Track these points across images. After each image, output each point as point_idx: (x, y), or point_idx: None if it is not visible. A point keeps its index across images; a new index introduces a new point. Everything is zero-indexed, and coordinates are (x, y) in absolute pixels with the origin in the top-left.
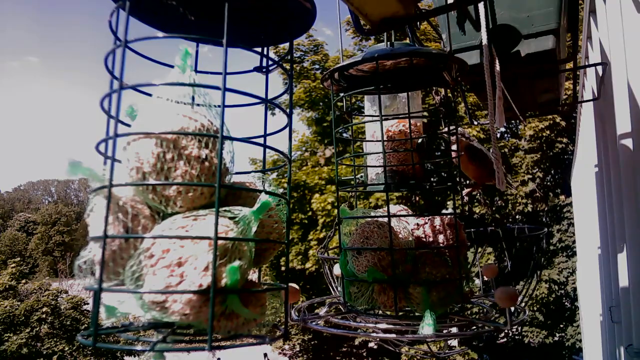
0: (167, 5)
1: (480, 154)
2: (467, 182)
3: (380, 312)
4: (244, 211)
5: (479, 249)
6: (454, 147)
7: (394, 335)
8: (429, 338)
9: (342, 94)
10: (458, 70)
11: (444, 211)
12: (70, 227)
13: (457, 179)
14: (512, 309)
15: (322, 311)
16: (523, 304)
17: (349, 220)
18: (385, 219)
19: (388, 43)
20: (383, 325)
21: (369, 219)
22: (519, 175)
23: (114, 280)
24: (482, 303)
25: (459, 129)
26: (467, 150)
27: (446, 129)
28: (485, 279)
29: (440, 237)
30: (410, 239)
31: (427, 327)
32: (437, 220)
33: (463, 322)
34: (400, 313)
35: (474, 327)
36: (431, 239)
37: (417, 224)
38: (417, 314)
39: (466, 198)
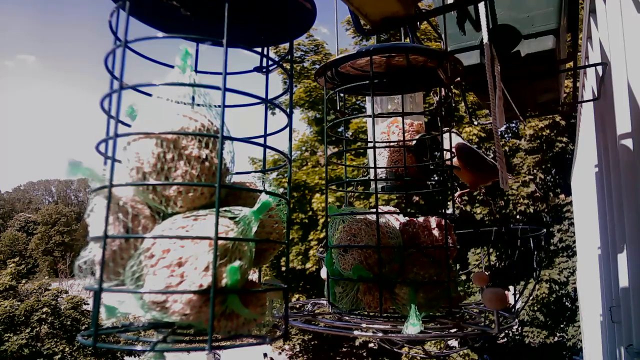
0: (167, 5)
1: (475, 159)
2: (458, 184)
3: (365, 312)
4: (244, 211)
5: (477, 250)
6: (449, 148)
7: (380, 334)
8: (414, 338)
9: (336, 90)
10: (453, 70)
11: (444, 211)
12: (70, 227)
13: (453, 181)
14: (510, 309)
15: (305, 310)
16: (521, 304)
17: (337, 218)
18: (374, 217)
19: (406, 38)
20: (368, 325)
21: (358, 217)
22: (520, 176)
23: (114, 280)
24: (471, 310)
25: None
26: (460, 155)
27: (439, 130)
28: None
29: (430, 238)
30: (399, 237)
31: (411, 327)
32: (428, 221)
33: (450, 325)
34: (388, 314)
35: (463, 330)
36: (421, 239)
37: (407, 223)
38: (403, 314)
39: (458, 200)
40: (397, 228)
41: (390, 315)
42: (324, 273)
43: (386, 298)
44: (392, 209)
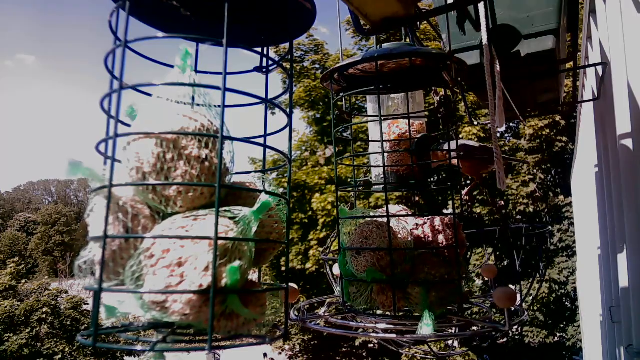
0: (167, 5)
1: (469, 149)
2: (467, 181)
3: (379, 312)
4: (244, 211)
5: (486, 248)
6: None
7: (394, 335)
8: (428, 338)
9: (342, 94)
10: (457, 70)
11: (444, 211)
12: (70, 227)
13: (455, 180)
14: (512, 309)
15: (321, 311)
16: (525, 304)
17: (348, 220)
18: (385, 219)
19: (408, 39)
20: (382, 326)
21: (369, 219)
22: (520, 176)
23: (114, 280)
24: (481, 304)
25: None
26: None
27: (444, 130)
28: (485, 279)
29: (440, 237)
30: (409, 239)
31: (425, 328)
32: (436, 221)
33: (462, 322)
34: (400, 313)
35: (474, 328)
36: (430, 239)
37: (417, 224)
38: (415, 314)
39: (466, 198)
40: (407, 229)
41: (404, 315)
42: (336, 270)
43: (399, 298)
44: (401, 208)
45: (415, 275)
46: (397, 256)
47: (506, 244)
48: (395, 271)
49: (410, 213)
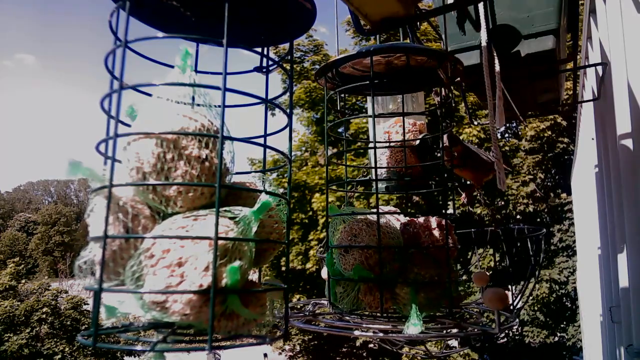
0: (167, 5)
1: (472, 155)
2: (466, 182)
3: (366, 312)
4: (244, 211)
5: (480, 250)
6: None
7: (380, 335)
8: (415, 337)
9: (336, 90)
10: (454, 70)
11: (443, 212)
12: (70, 227)
13: (454, 181)
14: (502, 310)
15: (306, 310)
16: (521, 304)
17: (338, 218)
18: (375, 217)
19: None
20: (371, 325)
21: (359, 217)
22: (520, 176)
23: (114, 280)
24: (471, 310)
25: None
26: (459, 154)
27: (440, 131)
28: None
29: (431, 238)
30: (400, 238)
31: (412, 327)
32: (429, 221)
33: (451, 325)
34: (387, 314)
35: (464, 330)
36: (421, 239)
37: (408, 223)
38: (402, 314)
39: (465, 200)
40: (398, 228)
41: (391, 316)
42: (324, 273)
43: (387, 298)
44: (393, 209)
45: (405, 275)
46: (386, 255)
47: (499, 246)
48: (384, 270)
49: (401, 212)
